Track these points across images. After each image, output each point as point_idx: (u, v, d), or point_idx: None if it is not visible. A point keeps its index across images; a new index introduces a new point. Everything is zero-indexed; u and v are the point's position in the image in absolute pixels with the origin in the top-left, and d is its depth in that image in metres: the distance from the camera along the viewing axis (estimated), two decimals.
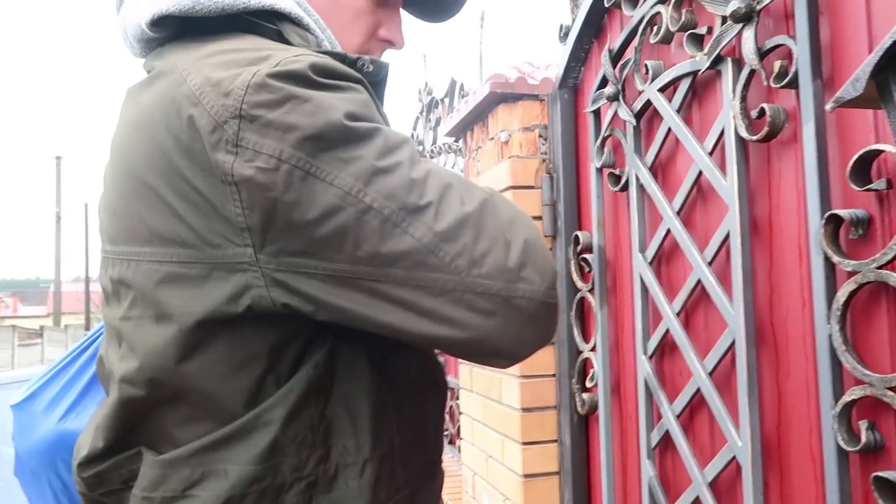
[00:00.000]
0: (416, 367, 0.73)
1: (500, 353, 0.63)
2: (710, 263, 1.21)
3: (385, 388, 0.68)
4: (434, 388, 0.76)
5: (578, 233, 1.67)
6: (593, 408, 1.64)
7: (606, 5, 1.57)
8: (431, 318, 0.59)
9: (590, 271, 1.64)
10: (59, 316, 22.51)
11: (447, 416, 3.15)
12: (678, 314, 1.30)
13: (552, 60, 2.05)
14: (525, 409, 1.75)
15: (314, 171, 0.57)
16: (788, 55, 1.06)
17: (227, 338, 0.63)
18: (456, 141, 2.78)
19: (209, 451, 0.63)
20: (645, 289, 1.40)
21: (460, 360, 2.36)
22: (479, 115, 2.07)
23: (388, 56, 0.85)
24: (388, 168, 0.58)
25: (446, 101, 3.28)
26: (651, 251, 1.39)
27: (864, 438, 0.91)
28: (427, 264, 0.58)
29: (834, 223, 0.95)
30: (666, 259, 1.39)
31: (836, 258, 0.94)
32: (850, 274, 0.92)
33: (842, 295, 0.93)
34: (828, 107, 0.66)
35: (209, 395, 0.64)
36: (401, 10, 0.84)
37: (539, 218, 1.80)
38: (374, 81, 0.71)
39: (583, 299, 1.68)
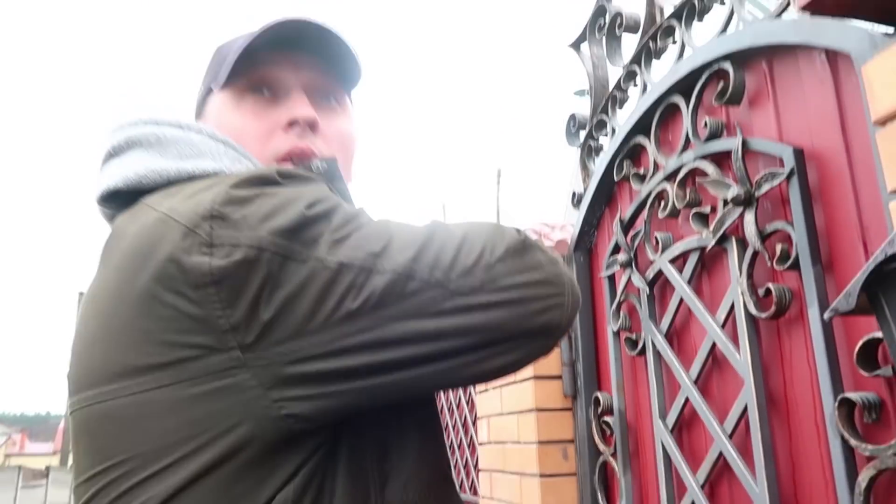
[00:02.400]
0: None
1: (519, 335, 0.62)
2: (730, 436, 1.22)
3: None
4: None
5: (598, 394, 1.68)
6: None
7: (616, 179, 1.69)
8: (440, 340, 0.60)
9: (611, 434, 1.63)
10: (67, 454, 21.99)
11: None
12: (702, 487, 1.29)
13: (567, 219, 2.16)
14: None
15: (290, 254, 0.59)
16: (788, 238, 1.13)
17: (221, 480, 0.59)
18: None
19: None
20: (668, 457, 1.39)
21: (474, 479, 2.27)
22: None
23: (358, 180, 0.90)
24: (349, 233, 0.61)
25: None
26: (671, 418, 1.40)
27: None
28: (410, 290, 0.59)
29: (847, 405, 0.97)
30: (687, 427, 1.39)
31: (853, 441, 0.95)
32: (870, 458, 0.93)
33: (863, 480, 0.93)
34: (825, 316, 0.71)
35: None
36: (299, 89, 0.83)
37: (558, 377, 1.82)
38: (333, 178, 0.75)
39: (606, 463, 1.65)
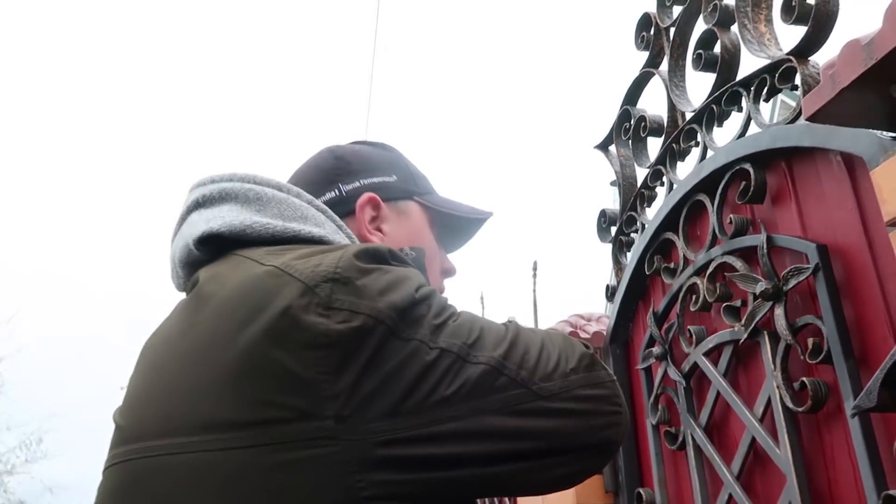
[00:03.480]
0: None
1: (583, 447, 0.66)
2: None
3: None
4: None
5: (641, 490, 1.66)
6: None
7: (647, 272, 1.73)
8: (518, 440, 0.62)
9: None
10: None
11: None
12: None
13: (601, 312, 2.19)
14: None
15: (397, 331, 0.60)
16: (819, 332, 1.15)
17: None
18: None
19: None
20: None
21: None
22: None
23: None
24: (446, 320, 0.65)
25: None
26: None
27: None
28: (499, 385, 0.62)
29: (891, 503, 0.96)
30: None
31: None
32: None
33: None
34: (849, 414, 0.73)
35: None
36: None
37: (600, 473, 1.80)
38: (419, 267, 0.83)
39: None
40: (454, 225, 0.98)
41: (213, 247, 0.75)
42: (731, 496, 1.33)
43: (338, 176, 0.90)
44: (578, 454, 0.66)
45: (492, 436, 0.61)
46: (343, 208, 0.87)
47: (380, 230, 0.89)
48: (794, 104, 1.29)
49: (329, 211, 0.83)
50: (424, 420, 0.59)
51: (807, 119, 1.00)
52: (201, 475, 0.58)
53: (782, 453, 1.19)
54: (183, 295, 0.81)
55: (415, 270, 0.69)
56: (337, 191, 0.89)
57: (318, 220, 0.79)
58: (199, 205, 0.80)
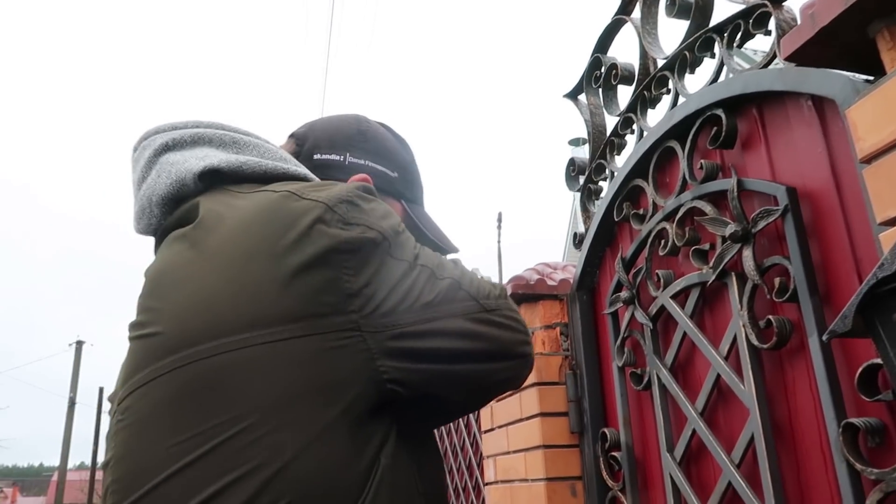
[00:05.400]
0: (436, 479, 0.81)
1: (513, 356, 0.80)
2: (738, 466, 1.25)
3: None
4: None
5: (606, 430, 1.71)
6: None
7: (616, 219, 1.75)
8: (474, 340, 0.76)
9: (619, 470, 1.66)
10: None
11: None
12: None
13: (568, 261, 2.22)
14: None
15: (393, 250, 0.74)
16: (786, 272, 1.19)
17: (348, 428, 0.67)
18: None
19: None
20: (677, 489, 1.42)
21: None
22: None
23: None
24: (419, 247, 0.78)
25: None
26: (679, 451, 1.43)
27: None
28: (460, 297, 0.77)
29: (851, 431, 1.01)
30: (694, 459, 1.42)
31: (858, 466, 0.99)
32: (876, 482, 0.97)
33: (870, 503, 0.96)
34: (823, 338, 0.76)
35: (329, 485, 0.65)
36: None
37: (565, 414, 1.85)
38: None
39: (615, 498, 1.67)
40: (419, 241, 1.01)
41: (207, 182, 0.82)
42: (694, 431, 1.38)
43: (351, 146, 0.98)
44: (511, 362, 0.81)
45: (458, 334, 0.75)
46: (338, 174, 0.95)
47: None
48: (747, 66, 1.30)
49: (288, 154, 0.90)
50: (417, 318, 0.72)
51: (785, 59, 1.01)
52: (260, 365, 0.66)
53: (746, 388, 1.23)
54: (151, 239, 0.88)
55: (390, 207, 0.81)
56: (342, 157, 0.97)
57: (294, 162, 0.87)
58: (169, 148, 0.84)
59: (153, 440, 0.66)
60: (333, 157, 0.96)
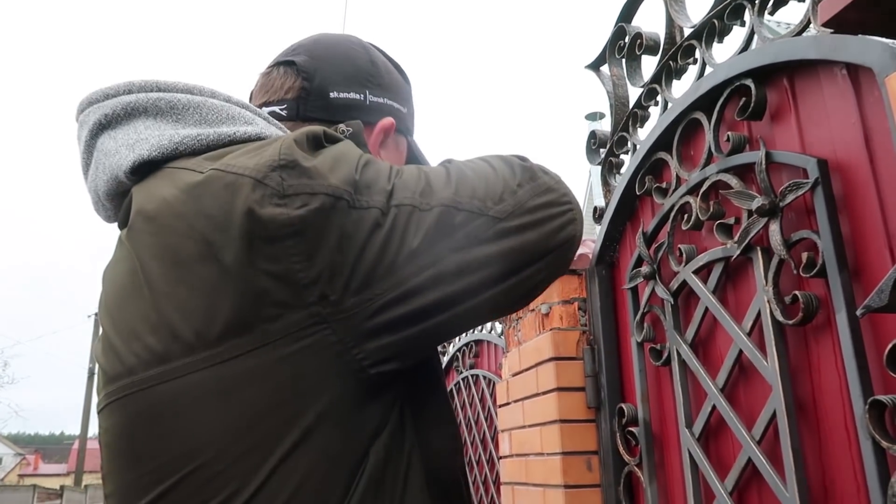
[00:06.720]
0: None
1: (546, 253, 0.67)
2: (759, 442, 1.23)
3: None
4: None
5: (623, 405, 1.70)
6: None
7: (638, 193, 1.72)
8: (489, 266, 0.63)
9: (636, 445, 1.65)
10: (81, 475, 21.98)
11: None
12: (731, 493, 1.30)
13: (587, 236, 2.19)
14: None
15: (355, 203, 0.60)
16: (814, 246, 1.16)
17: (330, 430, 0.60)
18: None
19: None
20: (695, 465, 1.41)
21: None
22: None
23: None
24: (393, 180, 0.64)
25: None
26: (698, 427, 1.42)
27: None
28: (459, 222, 0.63)
29: (878, 408, 0.99)
30: (714, 435, 1.41)
31: (884, 443, 0.97)
32: None
33: (895, 482, 0.95)
34: (858, 313, 0.74)
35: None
36: None
37: (582, 389, 1.84)
38: (358, 143, 0.77)
39: (631, 473, 1.67)
40: None
41: (145, 170, 0.70)
42: (714, 407, 1.37)
43: (369, 82, 0.86)
44: (544, 261, 0.68)
45: (466, 271, 0.63)
46: (361, 115, 0.83)
47: (378, 155, 0.86)
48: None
49: (251, 105, 0.76)
50: (402, 277, 0.60)
51: (822, 24, 0.97)
52: (207, 392, 0.59)
53: (769, 364, 1.21)
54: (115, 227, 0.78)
55: (349, 142, 0.68)
56: (363, 95, 0.85)
57: (246, 118, 0.73)
58: (103, 127, 0.73)
59: (124, 467, 0.64)
60: (353, 95, 0.84)
